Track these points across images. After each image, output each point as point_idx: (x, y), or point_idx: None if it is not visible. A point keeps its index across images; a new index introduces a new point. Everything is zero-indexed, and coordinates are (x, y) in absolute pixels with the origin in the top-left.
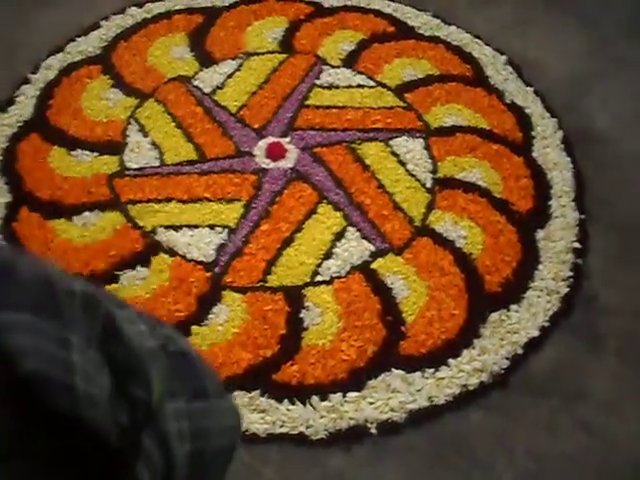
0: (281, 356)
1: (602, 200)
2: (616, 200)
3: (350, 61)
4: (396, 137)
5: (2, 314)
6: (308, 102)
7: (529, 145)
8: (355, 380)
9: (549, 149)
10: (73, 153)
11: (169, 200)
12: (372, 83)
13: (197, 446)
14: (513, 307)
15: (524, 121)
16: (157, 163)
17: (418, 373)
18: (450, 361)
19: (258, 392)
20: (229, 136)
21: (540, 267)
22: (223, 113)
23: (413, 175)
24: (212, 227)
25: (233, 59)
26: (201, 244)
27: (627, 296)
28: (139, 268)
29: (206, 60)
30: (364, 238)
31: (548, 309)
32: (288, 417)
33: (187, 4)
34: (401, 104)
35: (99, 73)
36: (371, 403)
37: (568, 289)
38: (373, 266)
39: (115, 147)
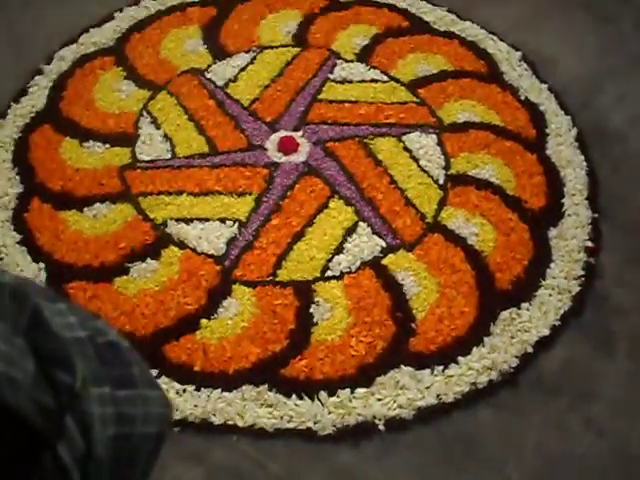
0: (290, 351)
1: (616, 199)
2: (630, 199)
3: (364, 55)
4: (409, 132)
5: None
6: (321, 96)
7: (543, 142)
8: (364, 376)
9: (563, 147)
10: (85, 144)
11: (180, 193)
12: (385, 78)
13: (121, 431)
14: (524, 305)
15: (538, 118)
16: (169, 155)
17: (427, 370)
18: (460, 359)
19: (266, 387)
20: (241, 129)
21: (552, 265)
22: (235, 106)
23: (425, 171)
24: (223, 220)
25: (246, 52)
26: (212, 237)
27: (639, 296)
28: (149, 260)
29: (219, 53)
30: (375, 234)
31: (559, 308)
32: (296, 412)
33: None
34: (414, 99)
35: (112, 65)
36: (379, 399)
37: (580, 288)
38: (384, 262)
39: (127, 139)
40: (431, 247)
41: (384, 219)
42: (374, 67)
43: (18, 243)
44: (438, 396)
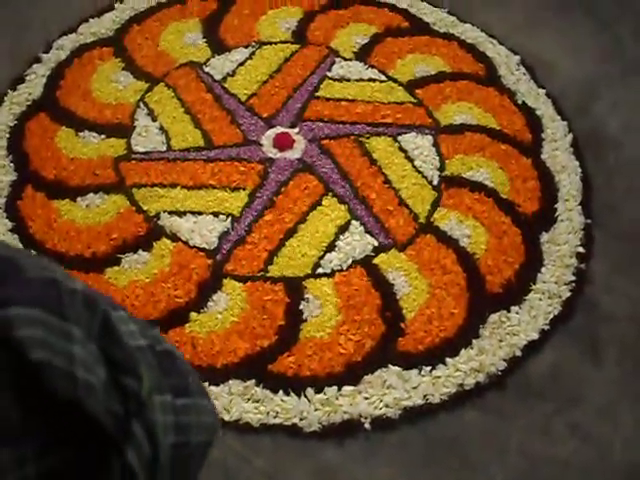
0: (278, 347)
1: (609, 206)
2: (623, 206)
3: (363, 54)
4: (405, 133)
5: (15, 309)
6: (318, 93)
7: (538, 147)
8: (351, 374)
9: (558, 152)
10: (80, 134)
11: (174, 185)
12: (383, 77)
13: (180, 439)
14: (514, 309)
15: (534, 123)
16: (164, 148)
17: (415, 370)
18: (447, 360)
19: (253, 382)
20: (237, 124)
21: (543, 270)
22: (232, 101)
23: (420, 172)
24: (216, 214)
25: (245, 47)
26: (204, 231)
27: (629, 303)
28: (141, 252)
29: (218, 47)
30: (367, 232)
31: (549, 312)
32: (282, 408)
33: None
34: (411, 100)
35: (111, 55)
36: (366, 398)
37: (570, 293)
38: (375, 261)
39: (123, 130)
40: (423, 248)
41: (377, 218)
42: (372, 66)
43: (10, 231)
44: (425, 396)
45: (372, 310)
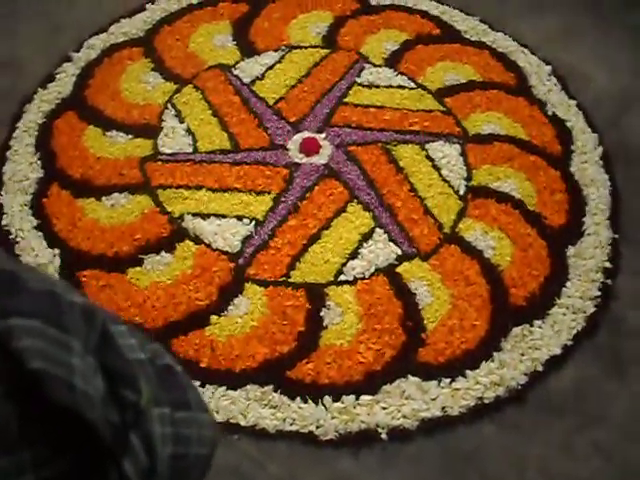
0: (297, 353)
1: (637, 220)
2: None
3: (392, 61)
4: (432, 141)
5: (15, 320)
6: (347, 99)
7: (567, 159)
8: (370, 383)
9: (587, 164)
10: (108, 134)
11: (199, 188)
12: (413, 85)
13: (178, 450)
14: (537, 323)
15: (564, 134)
16: (190, 150)
17: (434, 382)
18: (467, 372)
19: (271, 387)
20: (264, 128)
21: (568, 284)
22: (260, 104)
23: (447, 181)
24: (240, 218)
25: (275, 51)
26: (227, 234)
27: None
28: (163, 253)
29: (248, 50)
30: (391, 241)
31: (572, 328)
32: (299, 415)
33: None
34: (440, 108)
35: (140, 56)
36: (384, 408)
37: (595, 309)
38: (398, 270)
39: (150, 131)
40: (447, 258)
41: (401, 226)
42: (402, 73)
43: (35, 228)
44: (443, 408)
45: (393, 319)
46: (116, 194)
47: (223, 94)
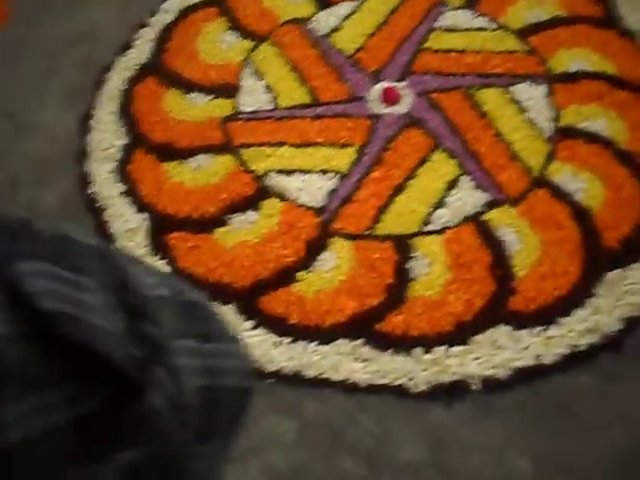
0: (386, 306)
1: None
2: None
3: (472, 2)
4: (517, 83)
5: (23, 263)
6: (426, 45)
7: None
8: (460, 334)
9: None
10: (187, 96)
11: (281, 144)
12: (494, 25)
13: (207, 382)
14: (632, 266)
15: None
16: (271, 107)
17: (526, 330)
18: (560, 320)
19: (361, 341)
20: (344, 80)
21: None
22: (338, 56)
23: (533, 123)
24: (324, 172)
25: (351, 0)
26: (312, 189)
27: None
28: (249, 212)
29: (323, 2)
30: (478, 188)
31: None
32: (390, 368)
33: None
34: (524, 48)
35: (215, 16)
36: (475, 358)
37: None
38: (485, 217)
39: (229, 90)
40: (536, 203)
41: (488, 173)
42: (482, 14)
43: (122, 194)
44: (536, 357)
45: (482, 268)
46: (199, 156)
47: (300, 48)
